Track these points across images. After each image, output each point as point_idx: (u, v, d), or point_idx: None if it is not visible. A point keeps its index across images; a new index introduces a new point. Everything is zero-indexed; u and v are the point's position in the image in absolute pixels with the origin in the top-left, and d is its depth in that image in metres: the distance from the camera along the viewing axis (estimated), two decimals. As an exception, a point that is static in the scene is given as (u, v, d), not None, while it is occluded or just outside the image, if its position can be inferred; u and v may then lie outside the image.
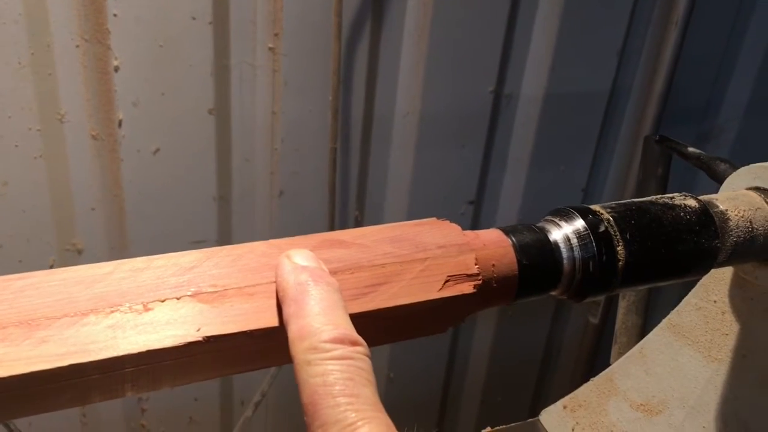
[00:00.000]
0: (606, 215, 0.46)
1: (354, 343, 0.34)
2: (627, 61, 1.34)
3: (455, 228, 0.44)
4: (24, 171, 1.02)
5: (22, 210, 1.04)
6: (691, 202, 0.50)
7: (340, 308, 0.36)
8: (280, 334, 0.36)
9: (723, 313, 0.62)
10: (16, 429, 1.06)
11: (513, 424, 0.80)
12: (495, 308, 0.90)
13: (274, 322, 0.37)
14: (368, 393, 0.32)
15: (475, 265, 0.42)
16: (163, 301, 0.36)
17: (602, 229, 0.45)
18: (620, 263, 0.45)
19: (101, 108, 1.02)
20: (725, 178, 0.58)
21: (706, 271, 0.51)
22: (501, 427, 0.79)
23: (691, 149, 1.00)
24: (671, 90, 1.36)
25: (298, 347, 0.34)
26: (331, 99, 1.11)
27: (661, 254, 0.46)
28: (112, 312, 0.35)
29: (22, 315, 0.34)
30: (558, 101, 1.30)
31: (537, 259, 0.44)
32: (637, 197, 0.51)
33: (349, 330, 0.35)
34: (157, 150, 1.07)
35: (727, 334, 0.61)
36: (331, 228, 1.21)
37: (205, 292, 0.37)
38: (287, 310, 0.36)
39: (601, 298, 1.37)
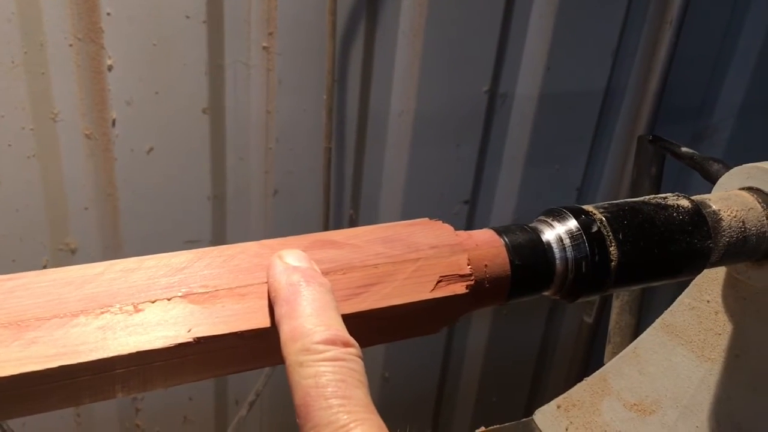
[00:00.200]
0: (599, 215, 0.46)
1: (346, 344, 0.34)
2: (622, 60, 1.34)
3: (448, 228, 0.44)
4: (17, 170, 1.01)
5: (15, 209, 1.04)
6: (684, 203, 0.50)
7: (333, 309, 0.36)
8: (272, 335, 0.36)
9: (716, 312, 0.62)
10: (9, 429, 1.05)
11: (507, 424, 0.80)
12: (489, 308, 0.90)
13: (265, 323, 0.37)
14: (360, 394, 0.32)
15: (468, 265, 0.42)
16: (153, 302, 0.36)
17: (595, 229, 0.45)
18: (613, 263, 0.45)
19: (95, 107, 1.01)
20: (718, 178, 0.58)
21: (699, 272, 0.51)
22: (495, 426, 0.80)
23: (684, 149, 1.00)
24: (666, 89, 1.37)
25: (290, 348, 0.34)
26: (325, 98, 1.11)
27: (654, 254, 0.46)
28: (103, 313, 0.35)
29: (12, 316, 0.34)
30: (553, 101, 1.30)
31: (529, 260, 0.44)
32: (631, 197, 0.51)
33: (342, 331, 0.35)
34: (151, 149, 1.07)
35: (720, 334, 0.61)
36: (326, 227, 1.21)
37: (196, 293, 0.37)
38: (279, 311, 0.36)
39: (594, 299, 1.38)
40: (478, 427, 0.80)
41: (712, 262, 0.51)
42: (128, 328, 0.35)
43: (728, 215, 0.51)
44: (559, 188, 1.41)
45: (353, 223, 1.27)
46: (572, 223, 0.45)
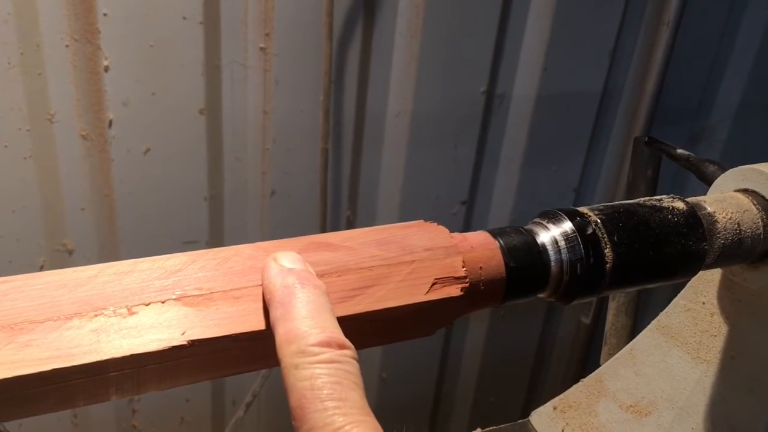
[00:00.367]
0: (594, 217, 0.46)
1: (341, 347, 0.34)
2: (619, 61, 1.34)
3: (443, 230, 0.44)
4: (14, 171, 1.01)
5: (11, 210, 1.04)
6: (679, 205, 0.50)
7: (328, 311, 0.36)
8: (267, 338, 0.36)
9: (712, 314, 0.62)
10: (5, 430, 1.05)
11: (503, 425, 0.80)
12: (485, 309, 0.90)
13: (260, 325, 0.37)
14: (356, 396, 0.32)
15: (463, 267, 0.42)
16: (147, 305, 0.36)
17: (590, 231, 0.45)
18: (608, 265, 0.45)
19: (91, 108, 1.01)
20: (714, 180, 0.58)
21: (694, 273, 0.51)
22: (491, 428, 0.80)
23: (680, 151, 1.01)
24: (663, 91, 1.37)
25: (285, 351, 0.34)
26: (322, 99, 1.11)
27: (649, 256, 0.47)
28: (96, 316, 0.35)
29: (5, 319, 0.34)
30: (550, 101, 1.30)
31: (524, 262, 0.44)
32: (627, 199, 0.51)
33: (337, 333, 0.35)
34: (148, 150, 1.07)
35: (715, 336, 0.62)
36: (323, 228, 1.21)
37: (191, 296, 0.37)
38: (274, 313, 0.36)
39: (589, 301, 1.38)
40: (475, 428, 0.80)
41: (707, 264, 0.51)
42: (122, 331, 0.35)
43: (723, 217, 0.51)
44: (557, 189, 1.41)
45: (350, 223, 1.27)
46: (567, 225, 0.45)
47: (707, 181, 0.88)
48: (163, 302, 0.36)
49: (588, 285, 0.45)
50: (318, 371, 0.33)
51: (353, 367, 0.34)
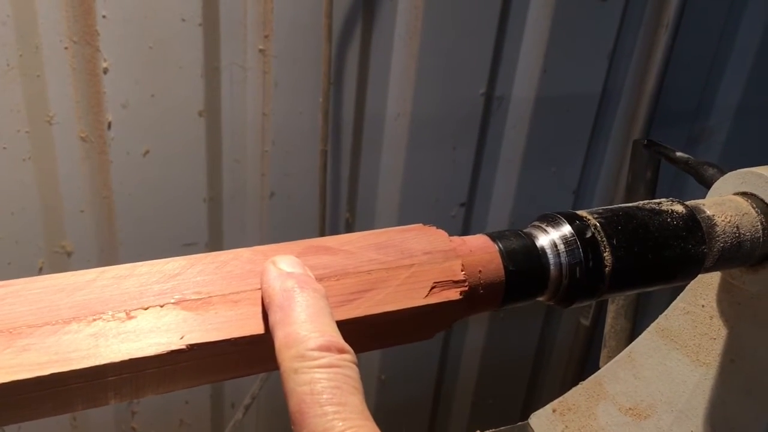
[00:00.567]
0: (593, 221, 0.46)
1: (341, 351, 0.34)
2: (618, 63, 1.34)
3: (441, 234, 0.44)
4: (13, 173, 1.01)
5: (10, 212, 1.04)
6: (678, 208, 0.50)
7: (327, 315, 0.36)
8: (266, 342, 0.36)
9: (711, 317, 0.62)
10: (4, 432, 1.05)
11: (503, 428, 0.80)
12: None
13: (259, 329, 0.37)
14: (356, 401, 0.32)
15: (462, 271, 0.42)
16: (146, 309, 0.36)
17: (589, 234, 0.45)
18: (607, 269, 0.45)
19: (90, 110, 1.01)
20: (713, 183, 0.58)
21: (693, 277, 0.51)
22: (490, 430, 0.79)
23: (679, 154, 1.01)
24: (662, 92, 1.37)
25: (284, 355, 0.34)
26: (321, 101, 1.11)
27: (648, 260, 0.46)
28: (95, 320, 0.35)
29: (3, 323, 0.34)
30: (549, 103, 1.30)
31: (524, 265, 0.44)
32: (626, 201, 0.51)
33: (336, 337, 0.35)
34: (147, 152, 1.07)
35: (715, 339, 0.61)
36: (322, 230, 1.21)
37: (189, 300, 0.37)
38: (273, 317, 0.36)
39: (588, 304, 1.38)
40: (474, 431, 0.80)
41: (706, 268, 0.51)
42: (120, 335, 0.35)
43: (722, 220, 0.51)
44: (556, 191, 1.41)
45: (349, 225, 1.27)
46: (566, 229, 0.45)
47: (706, 184, 0.88)
48: (161, 306, 0.36)
49: (587, 288, 0.45)
50: (317, 376, 0.33)
51: (353, 372, 0.34)
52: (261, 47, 1.06)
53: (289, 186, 1.18)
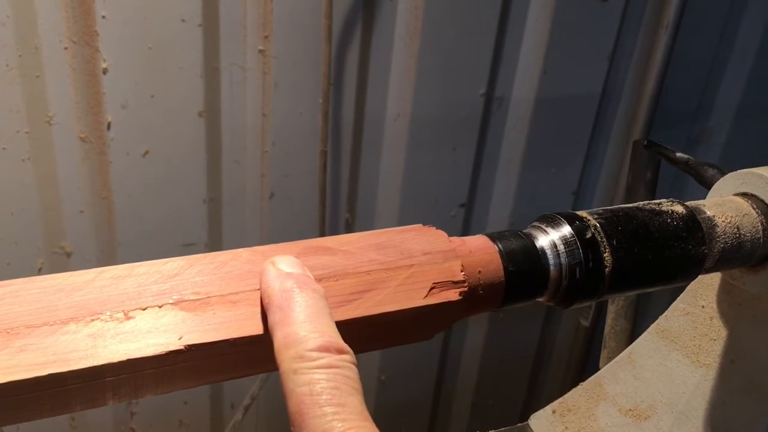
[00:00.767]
0: (593, 221, 0.46)
1: (340, 351, 0.34)
2: (618, 64, 1.34)
3: (441, 234, 0.44)
4: (12, 173, 1.01)
5: (10, 213, 1.03)
6: (678, 208, 0.50)
7: (326, 315, 0.36)
8: (265, 342, 0.36)
9: (711, 318, 0.62)
10: (3, 433, 1.05)
11: (502, 429, 0.80)
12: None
13: (258, 330, 0.37)
14: (355, 402, 0.32)
15: (461, 272, 0.42)
16: (144, 309, 0.36)
17: (589, 235, 0.45)
18: (607, 270, 0.45)
19: (90, 110, 1.01)
20: (713, 184, 0.58)
21: (694, 277, 0.51)
22: (490, 431, 0.79)
23: (679, 154, 1.00)
24: (662, 93, 1.37)
25: (283, 355, 0.34)
26: (321, 101, 1.11)
27: (648, 261, 0.46)
28: (93, 320, 0.35)
29: (1, 323, 0.34)
30: (549, 104, 1.30)
31: (523, 266, 0.44)
32: (626, 202, 0.51)
33: (336, 338, 0.35)
34: (147, 152, 1.07)
35: (715, 340, 0.61)
36: (322, 230, 1.21)
37: (188, 300, 0.37)
38: (272, 318, 0.36)
39: (588, 305, 1.38)
40: (474, 431, 0.80)
41: (706, 268, 0.51)
42: (119, 335, 0.35)
43: (723, 221, 0.51)
44: (556, 192, 1.41)
45: (349, 226, 1.27)
46: (566, 229, 0.45)
47: (706, 185, 0.88)
48: (160, 307, 0.36)
49: (587, 289, 0.45)
50: (317, 376, 0.32)
51: (352, 372, 0.33)
52: (261, 48, 1.06)
53: (289, 186, 1.18)
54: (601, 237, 0.45)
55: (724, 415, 0.61)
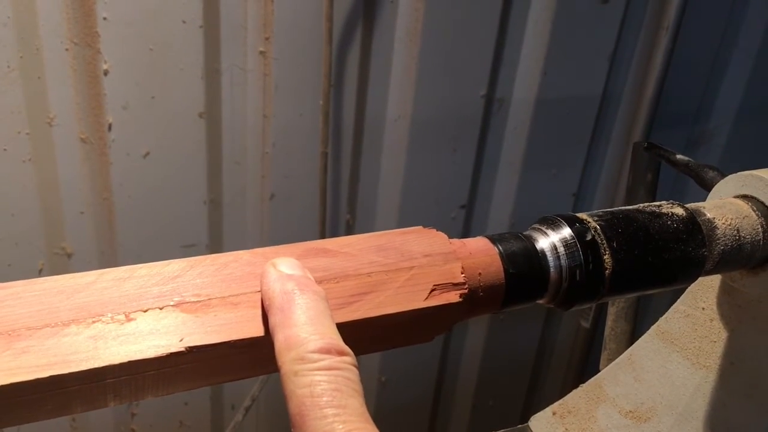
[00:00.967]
0: (593, 223, 0.46)
1: (341, 353, 0.34)
2: (618, 65, 1.34)
3: (441, 236, 0.44)
4: (13, 174, 1.01)
5: (11, 214, 1.03)
6: (679, 211, 0.50)
7: (327, 317, 0.36)
8: (266, 344, 0.36)
9: (711, 320, 0.62)
10: (3, 434, 1.05)
11: (502, 431, 0.80)
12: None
13: (258, 331, 0.37)
14: (355, 404, 0.32)
15: (462, 274, 0.42)
16: (145, 311, 0.36)
17: (589, 237, 0.45)
18: (607, 272, 0.45)
19: (91, 111, 1.01)
20: (713, 186, 0.58)
21: (694, 280, 0.51)
22: (491, 433, 0.79)
23: (679, 156, 1.01)
24: (662, 95, 1.37)
25: (284, 357, 0.34)
26: (322, 103, 1.11)
27: (648, 263, 0.46)
28: (94, 322, 0.35)
29: (3, 325, 0.34)
30: (549, 106, 1.30)
31: (524, 268, 0.44)
32: (627, 204, 0.51)
33: (336, 339, 0.35)
34: (147, 153, 1.07)
35: (715, 342, 0.61)
36: (322, 231, 1.21)
37: (189, 302, 0.37)
38: (273, 320, 0.36)
39: (588, 307, 1.38)
40: (474, 433, 0.80)
41: (706, 270, 0.51)
42: (120, 337, 0.35)
43: (723, 223, 0.51)
44: (556, 193, 1.41)
45: (350, 227, 1.27)
46: (566, 232, 0.45)
47: (706, 187, 0.88)
48: (161, 309, 0.36)
49: (587, 291, 0.45)
50: (317, 378, 0.32)
51: (353, 374, 0.34)
52: (261, 49, 1.06)
53: (290, 188, 1.18)
54: (601, 239, 0.45)
55: (724, 417, 0.61)
